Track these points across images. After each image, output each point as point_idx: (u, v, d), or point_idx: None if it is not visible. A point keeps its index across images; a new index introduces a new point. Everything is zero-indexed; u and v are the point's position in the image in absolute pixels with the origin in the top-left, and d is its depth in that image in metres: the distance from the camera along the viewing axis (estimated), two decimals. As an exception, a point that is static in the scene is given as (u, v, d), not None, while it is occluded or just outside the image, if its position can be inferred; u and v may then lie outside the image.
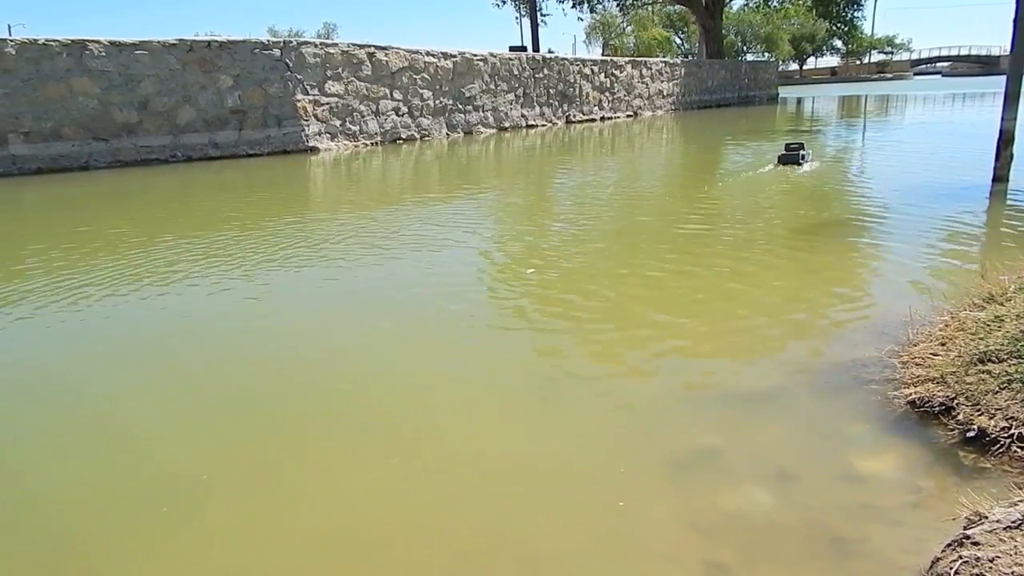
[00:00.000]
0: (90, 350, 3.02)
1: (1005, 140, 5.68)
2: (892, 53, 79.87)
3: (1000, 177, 5.73)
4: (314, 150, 12.17)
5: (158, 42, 10.83)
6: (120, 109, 10.61)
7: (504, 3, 33.48)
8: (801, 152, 7.59)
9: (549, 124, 18.29)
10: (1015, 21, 5.28)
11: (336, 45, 12.90)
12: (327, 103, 12.58)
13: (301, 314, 3.38)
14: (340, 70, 12.77)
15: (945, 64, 77.88)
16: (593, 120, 19.99)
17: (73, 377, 2.72)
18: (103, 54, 10.38)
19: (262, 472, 1.94)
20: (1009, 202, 5.28)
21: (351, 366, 2.71)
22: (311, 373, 2.63)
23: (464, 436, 2.10)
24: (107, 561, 1.62)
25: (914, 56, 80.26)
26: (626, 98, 21.96)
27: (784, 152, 7.71)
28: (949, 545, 1.32)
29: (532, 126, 17.61)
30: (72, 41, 10.18)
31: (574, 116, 19.38)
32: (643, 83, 22.84)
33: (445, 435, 2.11)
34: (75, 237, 5.59)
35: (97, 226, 6.09)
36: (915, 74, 74.38)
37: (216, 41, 11.43)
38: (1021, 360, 1.92)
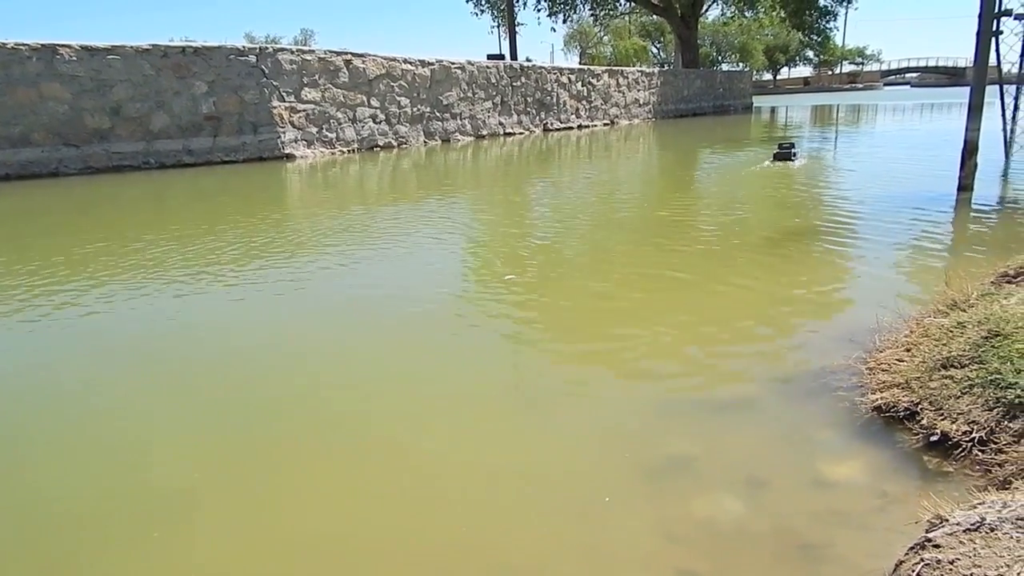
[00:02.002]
0: (71, 358, 2.97)
1: (969, 150, 5.82)
2: (863, 64, 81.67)
3: (965, 186, 5.87)
4: (290, 157, 12.10)
5: (131, 47, 10.70)
6: (92, 115, 10.46)
7: (483, 12, 33.59)
8: (792, 150, 9.03)
9: (527, 132, 18.37)
10: (977, 35, 5.43)
11: (313, 52, 12.85)
12: (303, 110, 12.52)
13: (280, 320, 3.35)
14: (317, 77, 12.72)
15: (914, 75, 79.78)
16: (570, 128, 20.11)
17: (55, 386, 2.67)
18: (74, 59, 10.23)
19: (234, 481, 1.92)
20: (973, 211, 5.41)
21: (329, 371, 2.69)
22: (289, 380, 2.61)
23: (439, 444, 2.10)
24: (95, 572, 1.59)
25: (884, 67, 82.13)
26: (603, 107, 22.14)
27: (778, 150, 9.07)
28: (912, 548, 1.35)
29: (510, 134, 17.67)
30: (42, 45, 10.02)
31: (551, 124, 19.49)
32: (620, 92, 23.05)
33: (421, 443, 2.11)
34: (49, 243, 5.49)
35: (72, 232, 5.98)
36: (885, 84, 76.07)
37: (191, 47, 11.33)
38: (982, 365, 1.97)
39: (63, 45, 10.17)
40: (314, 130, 12.74)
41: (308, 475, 1.96)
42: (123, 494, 1.89)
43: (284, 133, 12.16)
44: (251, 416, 2.34)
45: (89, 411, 2.44)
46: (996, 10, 5.35)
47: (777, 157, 8.98)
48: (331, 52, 13.05)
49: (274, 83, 11.98)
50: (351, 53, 13.43)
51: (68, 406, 2.49)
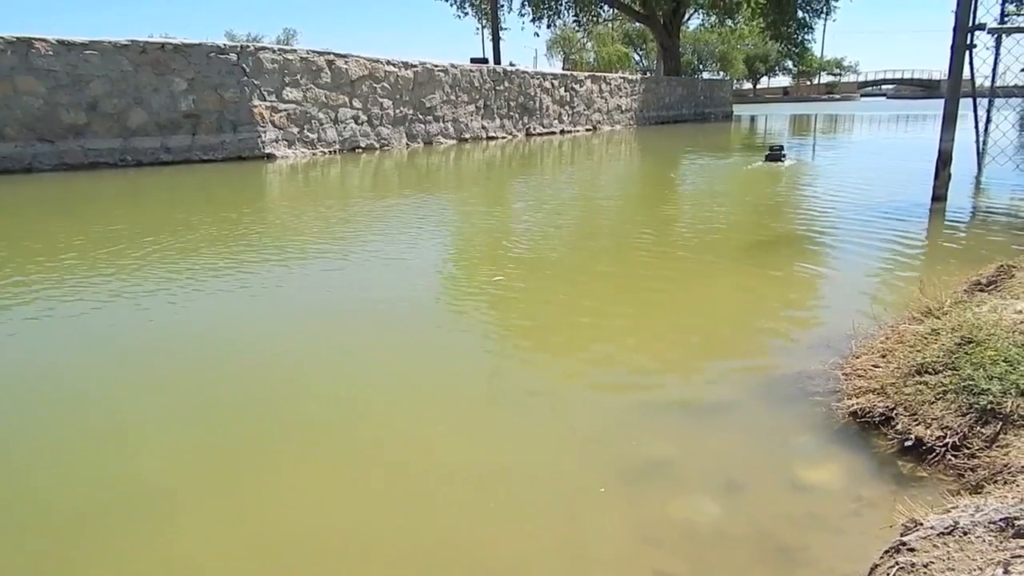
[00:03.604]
0: (48, 358, 2.90)
1: (943, 161, 5.93)
2: (840, 74, 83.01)
3: (939, 196, 5.98)
4: (271, 157, 11.99)
5: (109, 42, 10.54)
6: (67, 110, 10.28)
7: (466, 14, 33.59)
8: (782, 152, 10.48)
9: (509, 136, 18.40)
10: (952, 48, 5.54)
11: (295, 51, 12.75)
12: (285, 110, 12.42)
13: (264, 321, 3.31)
14: (299, 77, 12.62)
15: (890, 87, 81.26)
16: (553, 133, 20.18)
17: (32, 385, 2.61)
18: (50, 53, 10.05)
19: (216, 481, 1.89)
20: (947, 220, 5.51)
21: (314, 371, 2.66)
22: (273, 381, 2.57)
23: (418, 446, 2.08)
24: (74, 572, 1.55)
25: (861, 78, 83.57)
26: (585, 112, 22.24)
27: (770, 152, 10.50)
28: (887, 552, 1.36)
29: (492, 138, 17.68)
30: (18, 39, 9.83)
31: (534, 129, 19.53)
32: (602, 98, 23.18)
33: (403, 443, 2.09)
34: (26, 239, 5.37)
35: (49, 230, 5.87)
36: (862, 95, 77.40)
37: (170, 43, 11.18)
38: (955, 371, 2.00)
39: (39, 39, 9.99)
40: (295, 130, 12.64)
41: (292, 476, 1.93)
42: (102, 494, 1.85)
43: (265, 132, 12.05)
44: (233, 415, 2.31)
45: (67, 411, 2.38)
46: (970, 24, 5.47)
47: (768, 158, 10.37)
48: (313, 52, 12.97)
49: (255, 82, 11.86)
50: (334, 53, 13.35)
51: (46, 404, 2.43)
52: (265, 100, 12.05)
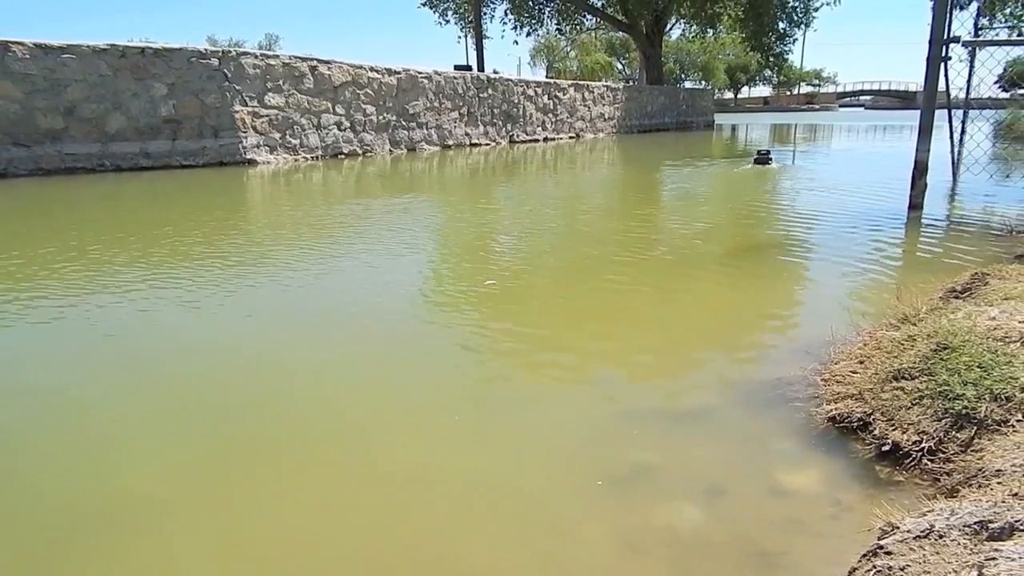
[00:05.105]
0: (35, 363, 2.85)
1: (920, 170, 6.03)
2: (820, 85, 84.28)
3: (915, 205, 6.08)
4: (252, 163, 11.91)
5: (88, 46, 10.43)
6: (44, 115, 10.14)
7: (447, 22, 33.66)
8: (769, 155, 11.59)
9: (493, 143, 18.44)
10: (927, 60, 5.64)
11: (277, 57, 12.70)
12: (267, 115, 12.35)
13: (253, 330, 3.28)
14: (281, 82, 12.57)
15: (867, 97, 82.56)
16: (536, 141, 20.26)
17: (19, 390, 2.56)
18: (27, 56, 9.92)
19: (204, 490, 1.86)
20: (923, 229, 5.60)
21: (303, 380, 2.64)
22: (262, 391, 2.55)
23: (404, 454, 2.07)
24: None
25: (840, 89, 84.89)
26: (569, 120, 22.37)
27: (758, 156, 11.63)
28: (864, 555, 1.37)
29: (476, 145, 17.71)
30: (-7, 42, 9.71)
31: (517, 136, 19.60)
32: (585, 106, 23.32)
33: (387, 453, 2.08)
34: (8, 243, 5.28)
35: (26, 234, 5.77)
36: (840, 106, 78.56)
37: (151, 48, 11.09)
38: (931, 377, 2.03)
39: (15, 42, 9.86)
40: (277, 136, 12.57)
41: (281, 484, 1.91)
42: (90, 502, 1.82)
43: (246, 138, 11.97)
44: (222, 423, 2.28)
45: (56, 416, 2.34)
46: (945, 37, 5.58)
47: (757, 161, 11.51)
48: (296, 58, 12.92)
49: (236, 87, 11.79)
50: (316, 59, 13.31)
51: (33, 410, 2.39)
52: (247, 105, 11.98)
